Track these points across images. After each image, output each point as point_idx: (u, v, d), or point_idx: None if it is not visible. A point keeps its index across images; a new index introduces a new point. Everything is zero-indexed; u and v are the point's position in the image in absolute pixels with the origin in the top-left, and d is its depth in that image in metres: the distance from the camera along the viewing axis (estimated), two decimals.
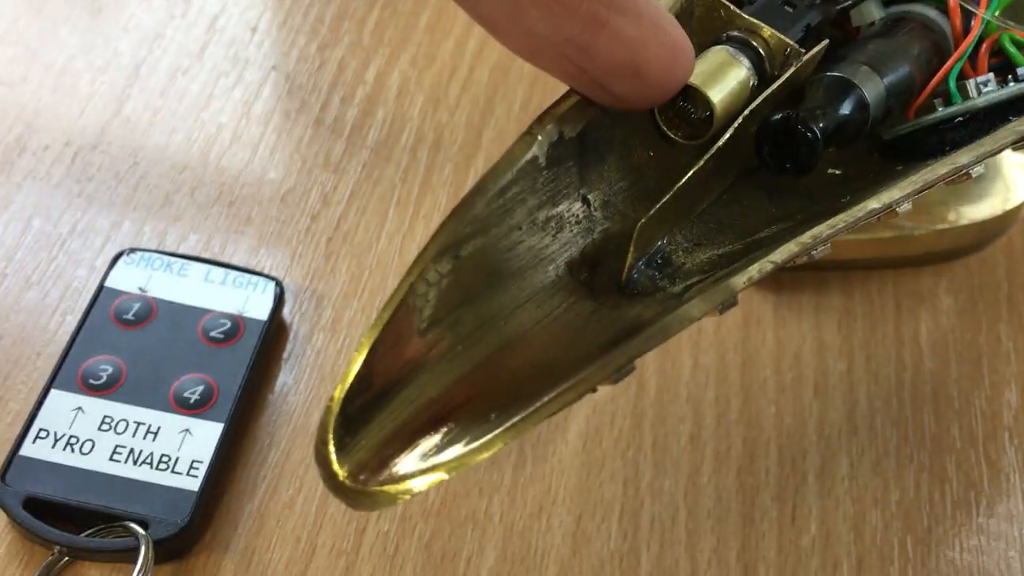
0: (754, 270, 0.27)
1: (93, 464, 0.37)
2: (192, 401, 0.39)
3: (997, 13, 0.35)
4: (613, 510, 0.40)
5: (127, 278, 0.42)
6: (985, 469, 0.42)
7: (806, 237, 0.28)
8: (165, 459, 0.37)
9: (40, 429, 0.38)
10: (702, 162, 0.28)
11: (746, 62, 0.30)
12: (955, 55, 0.33)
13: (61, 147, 0.48)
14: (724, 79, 0.29)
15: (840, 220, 0.28)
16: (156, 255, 0.43)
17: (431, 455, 0.25)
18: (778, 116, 0.29)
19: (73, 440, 0.37)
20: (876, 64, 0.32)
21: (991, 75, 0.33)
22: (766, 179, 0.31)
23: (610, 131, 0.29)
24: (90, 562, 0.36)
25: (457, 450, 0.25)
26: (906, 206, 0.30)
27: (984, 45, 0.35)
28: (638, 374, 0.43)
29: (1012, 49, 0.34)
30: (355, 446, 0.25)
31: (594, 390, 0.25)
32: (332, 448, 0.25)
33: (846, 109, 0.30)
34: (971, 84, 0.33)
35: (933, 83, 0.33)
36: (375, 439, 0.25)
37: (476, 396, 0.26)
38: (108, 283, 0.42)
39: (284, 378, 0.42)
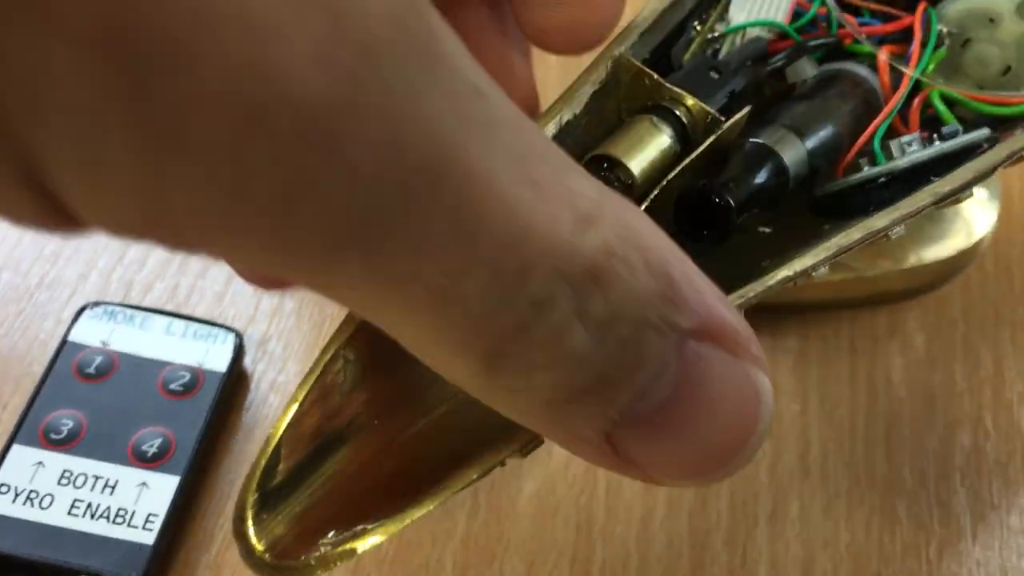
0: None
1: (51, 519, 0.38)
2: (150, 455, 0.40)
3: (931, 68, 0.36)
4: (564, 556, 0.40)
5: (90, 332, 0.43)
6: (936, 511, 0.42)
7: None
8: (122, 513, 0.38)
9: (1, 484, 0.39)
10: None
11: (668, 131, 0.31)
12: (880, 116, 0.34)
13: None
14: (645, 149, 0.30)
15: (750, 290, 0.28)
16: (119, 308, 0.44)
17: (348, 527, 0.26)
18: (695, 186, 0.30)
19: (33, 495, 0.38)
20: (799, 127, 0.32)
21: (917, 134, 0.34)
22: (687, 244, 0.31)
23: None
24: None
25: (371, 522, 0.26)
26: (823, 270, 0.30)
27: (916, 100, 0.35)
28: None
29: (941, 107, 0.35)
30: (273, 520, 0.26)
31: (503, 464, 0.26)
32: (250, 523, 0.26)
33: (762, 177, 0.31)
34: (895, 144, 0.33)
35: (859, 143, 0.34)
36: (293, 512, 0.26)
37: (392, 470, 0.27)
38: (71, 337, 0.43)
39: (245, 427, 0.43)
